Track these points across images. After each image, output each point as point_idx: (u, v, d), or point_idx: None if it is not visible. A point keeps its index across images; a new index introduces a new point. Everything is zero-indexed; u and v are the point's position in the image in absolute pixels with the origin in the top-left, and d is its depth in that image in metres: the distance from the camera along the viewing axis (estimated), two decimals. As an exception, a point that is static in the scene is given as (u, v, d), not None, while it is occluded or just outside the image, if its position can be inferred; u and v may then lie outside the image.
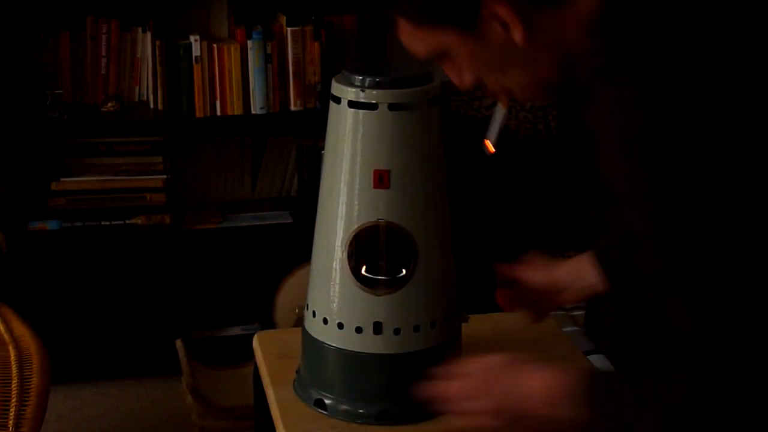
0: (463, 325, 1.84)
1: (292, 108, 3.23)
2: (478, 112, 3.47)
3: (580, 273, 1.74)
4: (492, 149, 1.52)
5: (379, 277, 1.72)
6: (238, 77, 3.17)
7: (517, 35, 1.24)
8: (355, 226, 1.70)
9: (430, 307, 1.74)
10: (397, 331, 1.72)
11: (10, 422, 1.96)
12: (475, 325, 1.91)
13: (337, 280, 1.73)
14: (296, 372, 1.86)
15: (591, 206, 3.30)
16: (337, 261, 1.72)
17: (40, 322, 2.48)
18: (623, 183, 1.20)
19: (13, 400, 2.02)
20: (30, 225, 3.16)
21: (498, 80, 1.33)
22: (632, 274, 1.66)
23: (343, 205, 1.70)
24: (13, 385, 2.06)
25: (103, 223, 3.21)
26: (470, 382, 1.41)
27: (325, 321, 1.74)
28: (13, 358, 2.16)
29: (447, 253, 1.77)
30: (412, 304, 1.72)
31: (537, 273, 1.79)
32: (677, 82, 1.14)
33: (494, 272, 1.85)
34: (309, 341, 1.79)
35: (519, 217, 3.43)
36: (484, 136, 1.53)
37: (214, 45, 3.15)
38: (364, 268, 1.72)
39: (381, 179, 1.67)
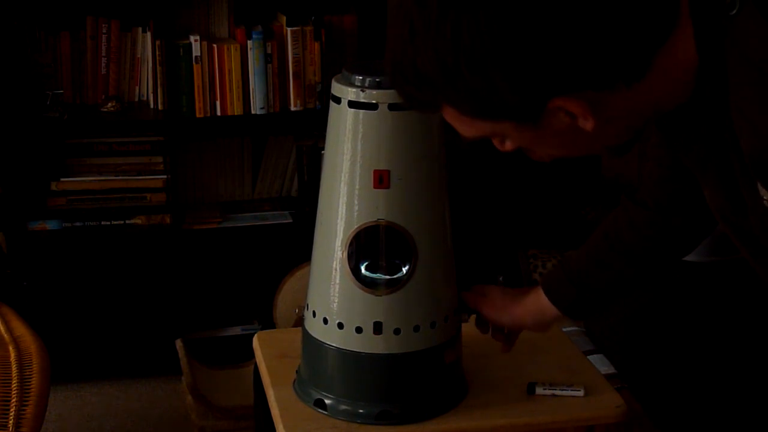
0: (463, 325, 1.84)
1: (292, 108, 3.23)
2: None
3: (542, 312, 1.77)
4: None
5: (379, 277, 1.72)
6: (238, 77, 3.17)
7: (588, 124, 1.17)
8: (355, 226, 1.70)
9: (430, 307, 1.74)
10: (397, 331, 1.72)
11: (10, 422, 1.96)
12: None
13: (337, 280, 1.73)
14: (296, 372, 1.86)
15: (591, 206, 3.30)
16: (337, 261, 1.72)
17: (40, 322, 2.48)
18: None
19: (13, 400, 2.02)
20: (30, 225, 3.16)
21: (550, 153, 1.27)
22: (590, 305, 1.74)
23: (343, 205, 1.70)
24: (13, 385, 2.06)
25: (103, 223, 3.21)
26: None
27: (325, 321, 1.74)
28: (13, 358, 2.16)
29: (447, 253, 1.77)
30: (412, 304, 1.72)
31: (501, 314, 1.81)
32: None
33: (494, 273, 1.87)
34: (309, 341, 1.79)
35: (519, 217, 3.43)
36: None
37: (214, 45, 3.15)
38: (364, 268, 1.72)
39: (381, 179, 1.67)
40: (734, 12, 1.14)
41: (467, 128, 1.22)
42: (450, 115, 1.22)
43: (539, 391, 1.84)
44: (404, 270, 1.71)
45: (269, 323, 2.95)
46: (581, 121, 1.17)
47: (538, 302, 1.76)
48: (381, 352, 1.72)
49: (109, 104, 3.16)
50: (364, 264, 1.72)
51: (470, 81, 1.13)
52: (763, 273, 1.31)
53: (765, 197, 1.18)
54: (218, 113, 3.18)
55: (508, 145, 1.26)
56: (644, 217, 1.63)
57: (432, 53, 1.13)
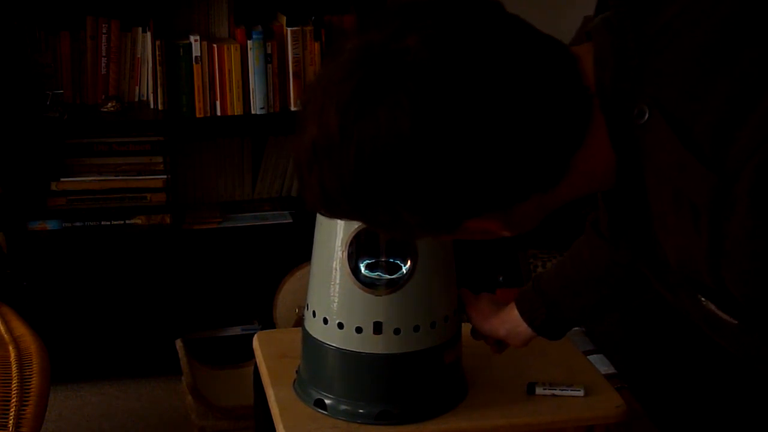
0: (463, 325, 1.84)
1: (292, 108, 3.22)
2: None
3: (514, 325, 1.76)
4: None
5: (379, 277, 1.72)
6: (238, 77, 3.17)
7: (505, 233, 1.15)
8: (355, 226, 1.70)
9: (430, 307, 1.74)
10: (397, 331, 1.72)
11: (10, 422, 1.96)
12: (475, 325, 1.91)
13: (337, 280, 1.73)
14: (296, 372, 1.86)
15: (590, 206, 3.30)
16: (337, 261, 1.72)
17: (40, 322, 2.48)
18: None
19: (13, 400, 2.02)
20: (30, 225, 3.16)
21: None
22: (561, 325, 1.73)
23: (343, 205, 1.70)
24: (13, 385, 2.06)
25: (103, 223, 3.21)
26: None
27: (325, 321, 1.74)
28: (13, 358, 2.16)
29: (447, 253, 1.77)
30: (412, 304, 1.72)
31: (483, 322, 1.80)
32: None
33: (494, 273, 1.87)
34: (309, 341, 1.79)
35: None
36: None
37: (214, 45, 3.15)
38: (364, 268, 1.72)
39: (381, 179, 1.67)
40: (644, 120, 1.08)
41: (383, 236, 1.20)
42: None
43: (539, 391, 1.84)
44: (404, 270, 1.71)
45: (269, 323, 2.95)
46: (498, 232, 1.15)
47: (512, 314, 1.76)
48: (381, 352, 1.72)
49: (109, 104, 3.16)
50: (364, 264, 1.72)
51: (377, 214, 1.09)
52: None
53: (702, 299, 1.15)
54: (218, 113, 3.18)
55: None
56: (606, 250, 1.61)
57: (337, 181, 1.07)
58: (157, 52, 3.11)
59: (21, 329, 2.28)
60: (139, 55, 3.21)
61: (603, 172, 1.13)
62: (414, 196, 1.06)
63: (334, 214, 1.15)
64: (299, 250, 2.37)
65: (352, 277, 1.71)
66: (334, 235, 1.72)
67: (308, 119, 1.09)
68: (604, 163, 1.12)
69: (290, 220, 3.32)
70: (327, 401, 1.77)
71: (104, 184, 3.20)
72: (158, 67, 3.12)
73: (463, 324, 1.84)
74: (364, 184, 1.06)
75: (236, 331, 3.34)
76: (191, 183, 3.36)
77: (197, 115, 3.17)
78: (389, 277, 1.72)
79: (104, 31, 3.16)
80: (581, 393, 1.84)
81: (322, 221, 1.75)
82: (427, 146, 1.03)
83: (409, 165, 1.04)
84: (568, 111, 1.08)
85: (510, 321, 1.76)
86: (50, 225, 3.17)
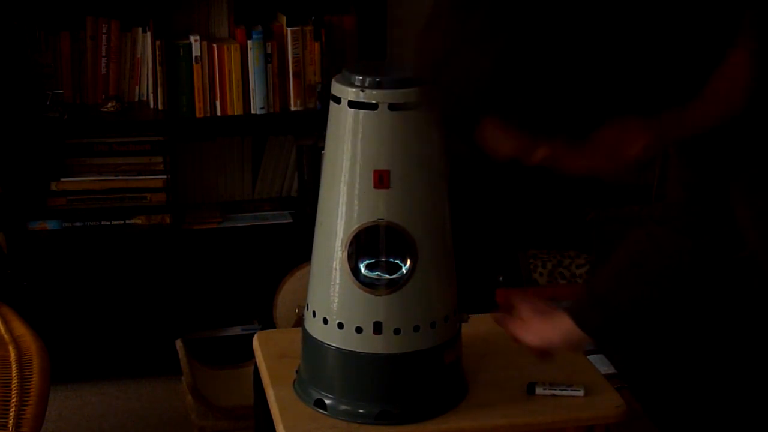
0: (463, 325, 1.84)
1: (292, 108, 3.23)
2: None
3: (569, 333, 1.70)
4: None
5: (379, 277, 1.72)
6: (238, 77, 3.17)
7: (636, 152, 1.14)
8: (355, 226, 1.70)
9: (430, 307, 1.74)
10: (397, 331, 1.72)
11: (10, 422, 1.96)
12: (475, 325, 1.91)
13: (337, 280, 1.73)
14: (296, 372, 1.86)
15: (591, 206, 3.30)
16: (337, 261, 1.72)
17: (40, 322, 2.48)
18: None
19: (13, 400, 2.02)
20: (30, 225, 3.16)
21: (588, 168, 1.23)
22: (618, 328, 1.68)
23: (343, 205, 1.70)
24: (13, 385, 2.06)
25: (103, 223, 3.21)
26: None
27: (325, 321, 1.74)
28: (13, 358, 2.16)
29: (447, 253, 1.77)
30: (412, 304, 1.72)
31: (530, 335, 1.74)
32: None
33: (494, 273, 1.85)
34: (309, 341, 1.79)
35: (519, 217, 3.43)
36: None
37: (214, 45, 3.15)
38: (364, 268, 1.72)
39: (381, 179, 1.67)
40: None
41: (506, 144, 1.17)
42: (489, 130, 1.15)
43: (539, 391, 1.84)
44: (404, 270, 1.72)
45: (269, 323, 2.95)
46: (628, 149, 1.15)
47: (566, 323, 1.69)
48: (381, 352, 1.73)
49: (109, 104, 3.16)
50: (364, 264, 1.72)
51: (526, 99, 1.09)
52: None
53: None
54: (218, 113, 3.18)
55: (540, 159, 1.23)
56: (673, 241, 1.58)
57: (485, 67, 1.08)
58: (157, 52, 3.11)
59: (21, 329, 2.28)
60: (139, 55, 3.21)
61: (737, 95, 1.13)
62: (561, 84, 1.07)
63: (471, 107, 1.13)
64: (299, 250, 2.37)
65: (352, 277, 1.71)
66: (334, 235, 1.72)
67: (443, 15, 1.10)
68: (740, 86, 1.12)
69: (290, 220, 3.32)
70: (327, 401, 1.77)
71: (104, 184, 3.20)
72: (158, 67, 3.12)
73: (463, 324, 1.84)
74: (518, 66, 1.07)
75: (236, 331, 3.34)
76: (191, 183, 3.36)
77: (197, 115, 3.17)
78: (389, 277, 1.72)
79: (104, 31, 3.16)
80: (581, 393, 1.84)
81: (322, 221, 1.75)
82: (582, 32, 1.04)
83: (561, 51, 1.05)
84: (716, 18, 1.08)
85: (565, 329, 1.69)
86: (50, 225, 3.17)
